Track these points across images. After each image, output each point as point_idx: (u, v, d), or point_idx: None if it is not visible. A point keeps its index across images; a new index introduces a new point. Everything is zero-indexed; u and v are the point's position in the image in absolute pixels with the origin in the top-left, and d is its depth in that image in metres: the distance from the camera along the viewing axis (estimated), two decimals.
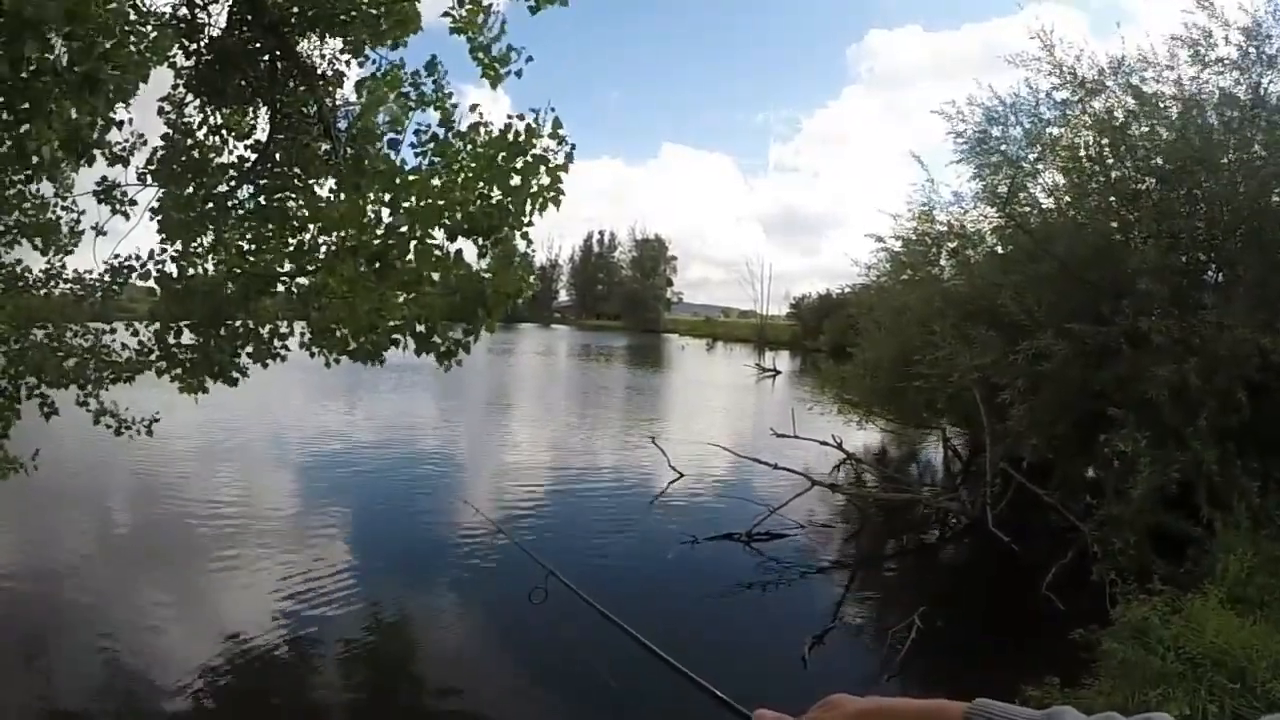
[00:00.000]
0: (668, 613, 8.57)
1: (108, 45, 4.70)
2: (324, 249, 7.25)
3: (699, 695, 1.07)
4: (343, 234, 7.00)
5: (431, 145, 7.10)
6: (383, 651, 7.85)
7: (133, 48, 5.18)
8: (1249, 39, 9.90)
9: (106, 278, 7.39)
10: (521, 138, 6.51)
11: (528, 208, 6.59)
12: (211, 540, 10.39)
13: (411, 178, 6.81)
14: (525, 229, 6.75)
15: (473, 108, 7.13)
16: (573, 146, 6.59)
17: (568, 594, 1.72)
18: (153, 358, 7.39)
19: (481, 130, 6.90)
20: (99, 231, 7.35)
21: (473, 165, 6.75)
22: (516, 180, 6.53)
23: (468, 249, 6.90)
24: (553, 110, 6.52)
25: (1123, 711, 0.72)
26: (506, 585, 9.05)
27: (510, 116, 6.63)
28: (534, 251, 7.18)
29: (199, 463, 14.81)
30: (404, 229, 6.71)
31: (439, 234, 6.75)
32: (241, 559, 9.73)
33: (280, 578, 9.10)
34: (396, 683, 7.23)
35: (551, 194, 6.59)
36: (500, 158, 6.58)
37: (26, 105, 4.40)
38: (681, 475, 14.31)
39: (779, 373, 45.46)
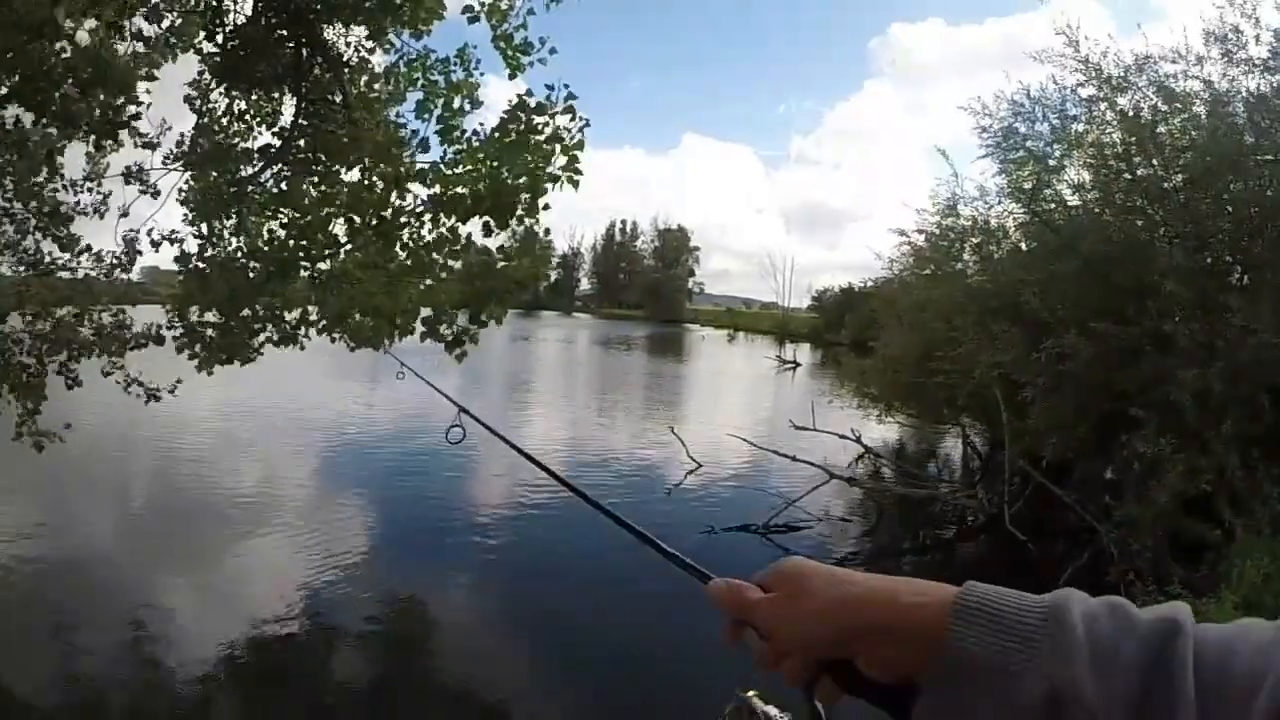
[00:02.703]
0: (685, 602, 8.60)
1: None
2: (341, 234, 7.32)
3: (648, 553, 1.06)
4: (354, 218, 7.06)
5: (443, 134, 7.13)
6: (398, 630, 7.97)
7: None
8: (1269, 43, 9.80)
9: (123, 256, 7.52)
10: (533, 115, 6.54)
11: (545, 187, 6.60)
12: (230, 511, 10.58)
13: (419, 167, 6.87)
14: (541, 210, 6.77)
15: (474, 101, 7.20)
16: (586, 122, 6.60)
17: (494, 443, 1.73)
18: (175, 333, 7.51)
19: (493, 116, 6.95)
20: (123, 213, 7.46)
21: (487, 148, 6.77)
22: (529, 159, 6.54)
23: (480, 234, 6.96)
24: (566, 86, 6.53)
25: None
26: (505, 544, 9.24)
27: (520, 95, 6.64)
28: (551, 241, 7.21)
29: (217, 443, 14.98)
30: (413, 219, 6.77)
31: (451, 219, 6.80)
32: (265, 522, 9.88)
33: (305, 551, 9.23)
34: (411, 664, 7.32)
35: (569, 174, 6.59)
36: (512, 138, 6.59)
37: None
38: (700, 465, 14.33)
39: (799, 365, 45.30)
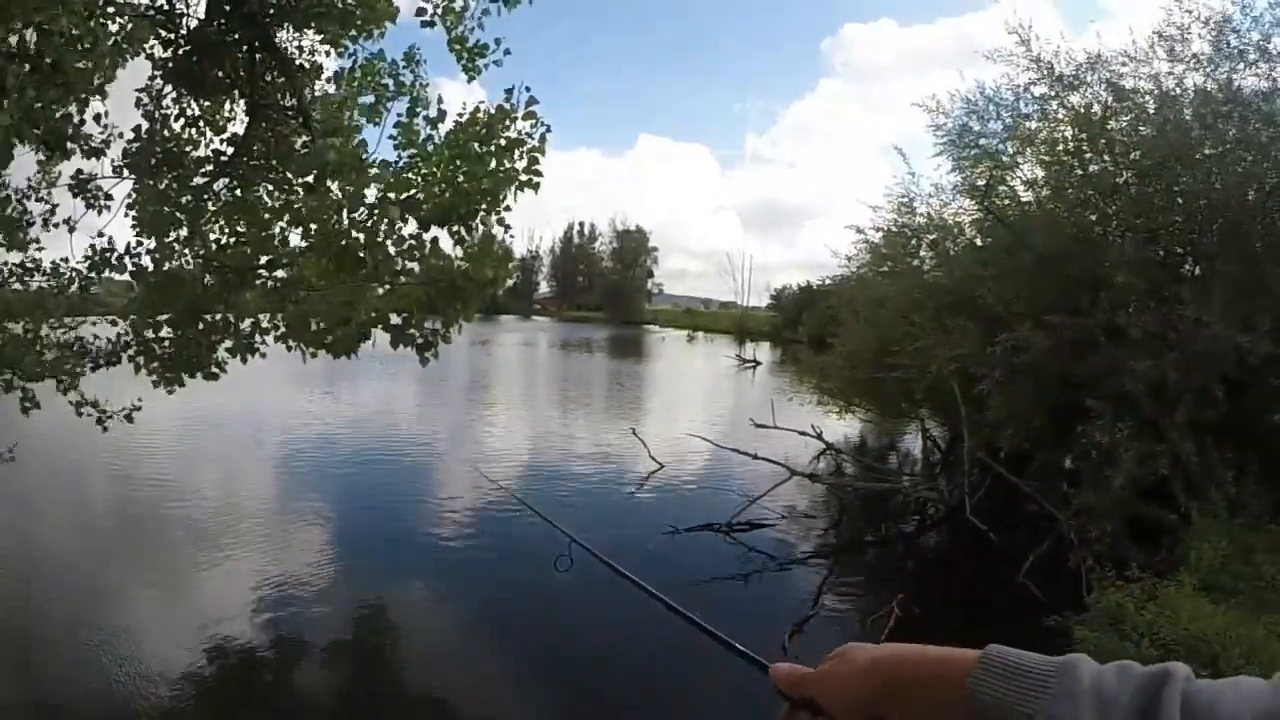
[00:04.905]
0: (650, 603, 8.61)
1: (74, 31, 4.66)
2: (297, 241, 7.23)
3: (714, 649, 1.09)
4: (310, 228, 6.98)
5: (402, 137, 7.06)
6: (366, 633, 7.88)
7: (109, 33, 5.13)
8: (1217, 34, 10.04)
9: (83, 268, 7.32)
10: (494, 120, 6.51)
11: (505, 192, 6.57)
12: (198, 531, 10.38)
13: (374, 171, 6.80)
14: (502, 214, 6.74)
15: (440, 99, 7.14)
16: (547, 128, 6.59)
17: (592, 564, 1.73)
18: (130, 351, 7.33)
19: (449, 118, 6.90)
20: (72, 227, 7.30)
21: (444, 153, 6.73)
22: (491, 164, 6.51)
23: (444, 239, 6.91)
24: (527, 90, 6.51)
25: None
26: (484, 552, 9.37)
27: (481, 102, 6.64)
28: (513, 238, 7.17)
29: (182, 452, 14.74)
30: (371, 222, 6.70)
31: (411, 225, 6.74)
32: (235, 547, 9.72)
33: (292, 561, 9.12)
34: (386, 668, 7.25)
35: (528, 177, 6.57)
36: (473, 143, 6.56)
37: None
38: (662, 466, 14.35)
39: (759, 364, 45.57)
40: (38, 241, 7.38)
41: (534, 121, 6.55)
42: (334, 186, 6.90)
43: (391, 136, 7.29)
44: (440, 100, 7.13)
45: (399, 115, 7.39)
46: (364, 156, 7.14)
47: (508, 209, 6.75)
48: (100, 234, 7.32)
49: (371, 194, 6.78)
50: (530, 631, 8.12)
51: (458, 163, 6.62)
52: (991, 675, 0.73)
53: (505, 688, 7.18)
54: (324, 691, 6.89)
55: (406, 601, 8.85)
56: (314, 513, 11.60)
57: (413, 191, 6.67)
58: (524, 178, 6.59)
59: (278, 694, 6.82)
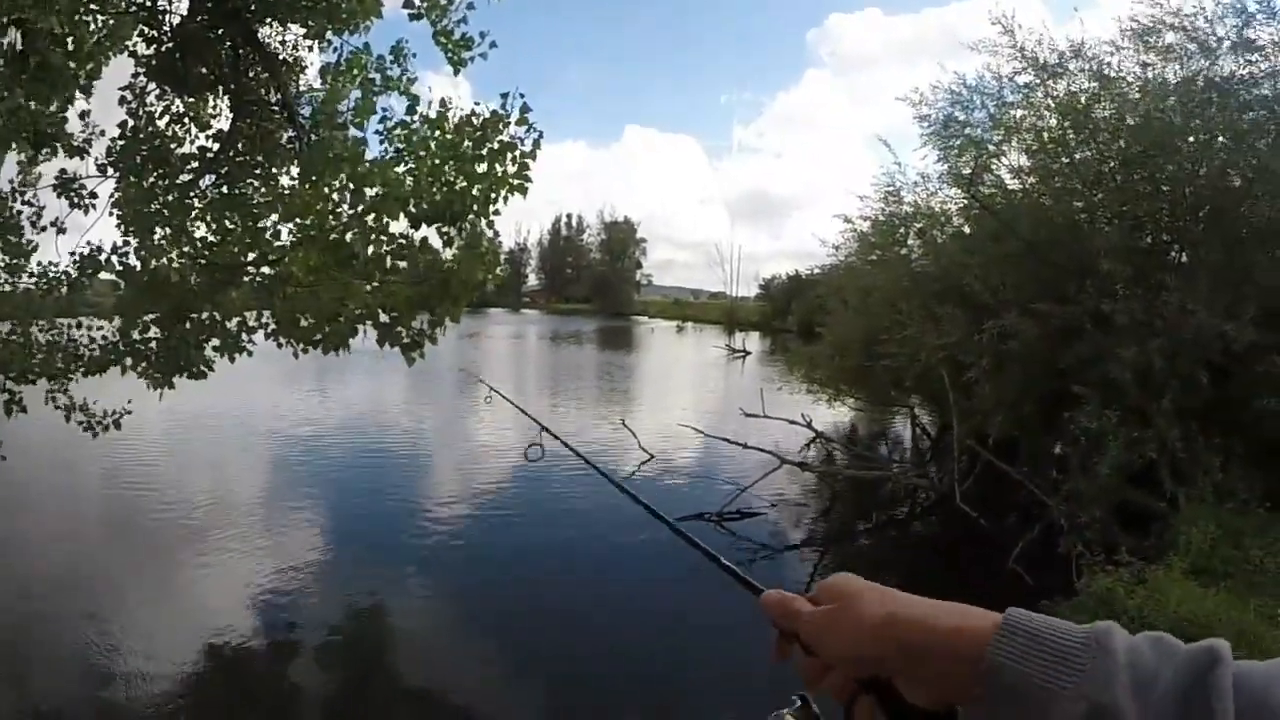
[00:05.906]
0: (641, 594, 8.66)
1: (59, 30, 4.63)
2: (286, 237, 7.21)
3: (705, 565, 1.07)
4: (304, 222, 6.95)
5: (398, 132, 7.05)
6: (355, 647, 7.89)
7: (91, 34, 5.11)
8: (1183, 31, 10.12)
9: (73, 271, 7.26)
10: (487, 124, 6.52)
11: (494, 195, 6.58)
12: (188, 524, 10.38)
13: (372, 167, 6.78)
14: (492, 217, 6.75)
15: (443, 102, 7.10)
16: (540, 134, 6.61)
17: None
18: (117, 355, 7.29)
19: (447, 118, 6.88)
20: (60, 229, 7.25)
21: (438, 153, 6.72)
22: (483, 167, 6.53)
23: (433, 237, 6.91)
24: (521, 96, 6.53)
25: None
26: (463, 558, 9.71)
27: (476, 104, 6.65)
28: (500, 242, 7.18)
29: (170, 451, 14.66)
30: (368, 218, 6.69)
31: (402, 222, 6.74)
32: (231, 543, 9.70)
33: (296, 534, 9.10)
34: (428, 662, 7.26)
35: (518, 181, 6.59)
36: (466, 145, 6.57)
37: None
38: (652, 456, 14.36)
39: (749, 353, 45.58)
40: (29, 242, 7.33)
41: (528, 127, 6.57)
42: (334, 181, 6.88)
43: (378, 131, 7.29)
44: (444, 104, 7.10)
45: (383, 110, 7.40)
46: (362, 151, 7.13)
47: (497, 213, 6.78)
48: (89, 244, 7.29)
49: (371, 191, 6.76)
50: (529, 619, 8.19)
51: (451, 163, 6.63)
52: (1014, 643, 0.68)
53: (505, 665, 7.36)
54: (322, 688, 6.89)
55: (402, 595, 8.86)
56: (309, 508, 11.61)
57: (406, 189, 6.67)
58: (514, 182, 6.62)
59: (275, 691, 6.83)
